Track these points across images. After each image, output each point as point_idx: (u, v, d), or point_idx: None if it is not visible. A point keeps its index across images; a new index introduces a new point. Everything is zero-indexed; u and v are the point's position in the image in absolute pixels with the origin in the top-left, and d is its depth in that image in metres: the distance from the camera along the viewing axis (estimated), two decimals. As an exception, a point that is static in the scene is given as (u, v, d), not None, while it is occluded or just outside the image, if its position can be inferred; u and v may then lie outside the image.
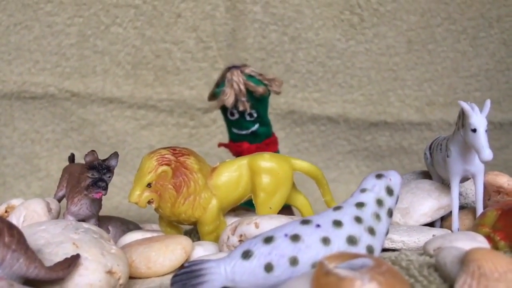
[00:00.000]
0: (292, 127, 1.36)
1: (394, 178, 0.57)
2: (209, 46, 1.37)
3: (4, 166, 1.33)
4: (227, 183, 0.71)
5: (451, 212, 0.71)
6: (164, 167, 0.67)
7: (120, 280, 0.58)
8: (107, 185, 0.68)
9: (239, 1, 1.34)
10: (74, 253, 0.55)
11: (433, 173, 0.77)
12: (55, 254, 0.56)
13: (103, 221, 0.75)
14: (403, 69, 1.38)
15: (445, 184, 0.75)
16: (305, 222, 0.53)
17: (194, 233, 0.78)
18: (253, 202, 0.73)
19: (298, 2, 1.35)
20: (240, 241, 0.64)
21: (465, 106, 0.63)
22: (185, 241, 0.66)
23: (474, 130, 0.62)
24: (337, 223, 0.53)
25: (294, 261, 0.51)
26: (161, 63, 1.36)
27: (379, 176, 0.57)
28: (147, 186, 0.67)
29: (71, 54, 1.33)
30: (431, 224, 0.72)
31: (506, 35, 1.36)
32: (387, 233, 0.56)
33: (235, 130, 0.86)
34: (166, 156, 0.68)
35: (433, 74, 1.38)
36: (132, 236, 0.71)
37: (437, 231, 0.65)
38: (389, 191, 0.56)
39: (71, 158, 0.80)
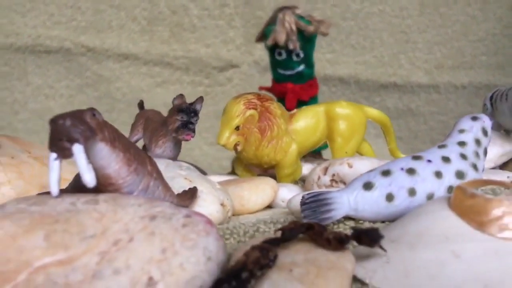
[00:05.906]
0: (304, 87, 1.37)
1: (487, 120, 0.61)
2: (226, 3, 1.37)
3: (17, 121, 1.31)
4: (306, 128, 0.74)
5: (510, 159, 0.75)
6: (252, 111, 0.69)
7: (229, 213, 0.60)
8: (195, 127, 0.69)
9: (257, -40, 1.34)
10: (190, 186, 0.57)
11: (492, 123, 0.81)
12: (171, 187, 0.57)
13: (177, 165, 0.76)
14: (415, 32, 1.42)
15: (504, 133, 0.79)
16: (416, 157, 0.56)
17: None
18: (329, 147, 0.75)
19: (315, -39, 1.36)
20: (332, 180, 0.66)
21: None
22: (271, 181, 0.68)
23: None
24: (446, 159, 0.56)
25: (412, 192, 0.54)
26: (177, 19, 1.35)
27: (474, 118, 0.61)
28: (235, 129, 0.69)
29: (86, 7, 1.30)
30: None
31: (516, 0, 1.41)
32: (483, 170, 0.60)
33: (280, 71, 0.87)
34: (253, 100, 0.70)
35: (443, 37, 1.42)
36: (212, 179, 0.73)
37: (510, 173, 0.69)
38: (484, 132, 0.60)
39: (141, 104, 0.80)
